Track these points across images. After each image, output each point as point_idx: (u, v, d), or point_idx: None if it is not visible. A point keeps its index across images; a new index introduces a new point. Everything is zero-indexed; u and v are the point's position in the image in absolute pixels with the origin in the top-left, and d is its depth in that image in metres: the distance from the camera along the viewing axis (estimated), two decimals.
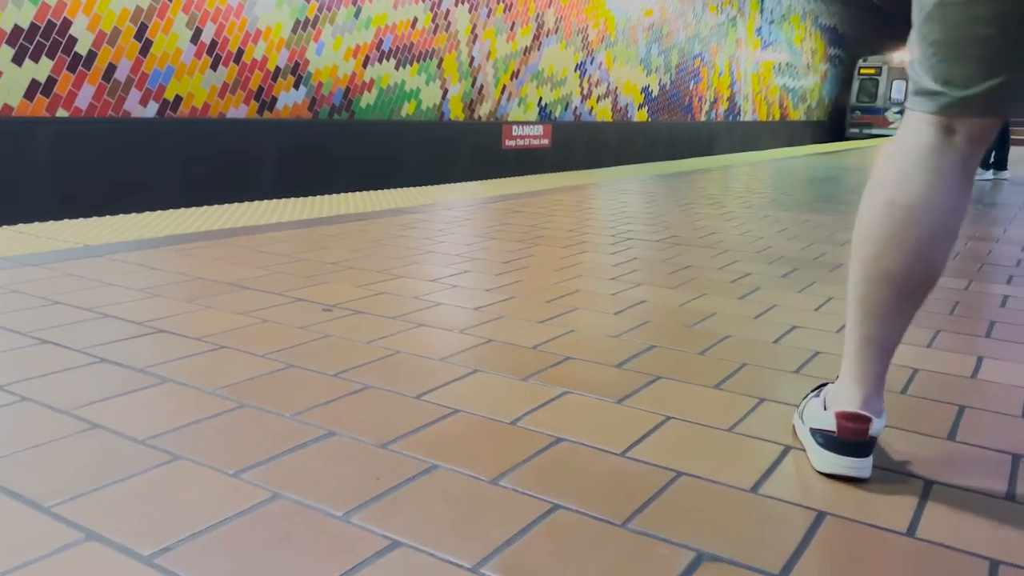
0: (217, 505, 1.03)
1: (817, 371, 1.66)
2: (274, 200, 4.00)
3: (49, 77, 6.34)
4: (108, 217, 3.32)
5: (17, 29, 6.09)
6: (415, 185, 10.06)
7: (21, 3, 6.09)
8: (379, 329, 1.85)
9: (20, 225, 3.06)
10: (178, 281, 2.25)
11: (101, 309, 1.94)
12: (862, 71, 23.75)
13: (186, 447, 1.20)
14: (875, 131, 23.45)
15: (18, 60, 6.13)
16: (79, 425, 1.27)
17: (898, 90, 24.46)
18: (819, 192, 5.39)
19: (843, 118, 24.86)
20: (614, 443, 1.26)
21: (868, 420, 1.14)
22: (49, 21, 6.28)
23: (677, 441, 1.28)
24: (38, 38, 6.24)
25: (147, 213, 3.46)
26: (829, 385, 1.29)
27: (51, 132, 6.39)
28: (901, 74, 24.32)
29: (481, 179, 10.94)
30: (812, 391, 1.35)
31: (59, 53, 6.36)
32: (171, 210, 3.56)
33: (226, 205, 3.77)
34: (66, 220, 3.21)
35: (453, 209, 3.93)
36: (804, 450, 1.27)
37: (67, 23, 6.40)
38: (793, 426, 1.36)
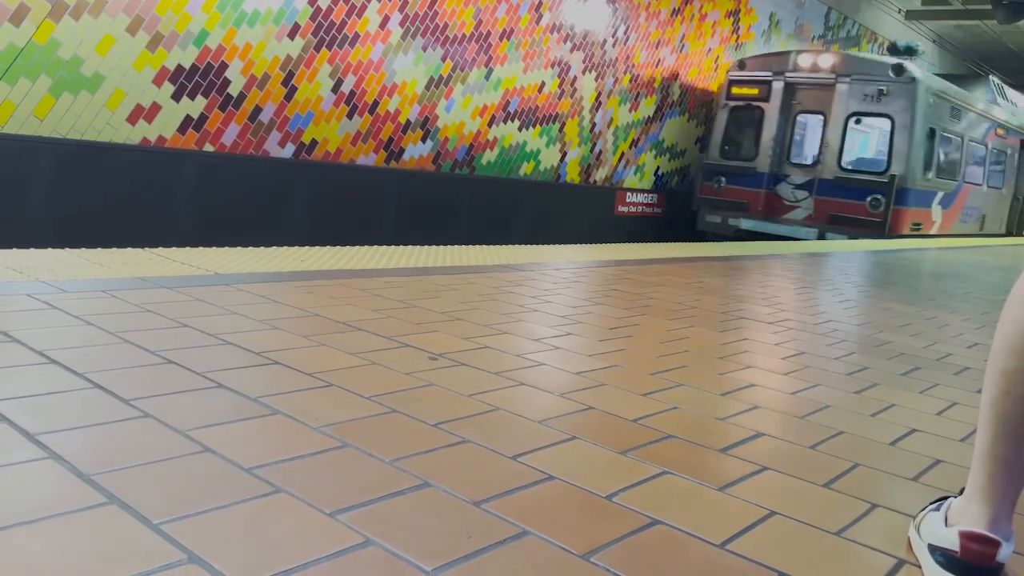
0: (312, 544, 1.05)
1: (938, 481, 1.55)
2: (392, 246, 4.14)
3: (201, 114, 6.85)
4: (239, 248, 3.52)
5: (179, 69, 6.63)
6: (527, 243, 10.18)
7: (186, 45, 6.64)
8: (481, 383, 1.87)
9: (160, 248, 3.27)
10: (296, 316, 2.34)
11: (223, 336, 2.04)
12: (735, 90, 12.22)
13: (289, 480, 1.23)
14: (750, 224, 11.96)
15: (176, 97, 6.66)
16: (192, 446, 1.32)
17: (831, 133, 11.57)
18: (947, 288, 5.11)
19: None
20: (713, 533, 1.21)
21: (997, 544, 1.05)
22: (208, 63, 6.81)
23: (781, 539, 1.22)
24: (196, 78, 6.76)
25: (274, 248, 3.64)
26: (952, 499, 1.20)
27: (196, 164, 6.87)
28: (816, 101, 11.70)
29: (592, 242, 10.98)
30: (932, 503, 1.26)
31: (213, 93, 6.87)
32: (296, 247, 3.74)
33: (347, 247, 3.93)
34: (200, 247, 3.42)
35: (562, 270, 3.95)
36: (919, 566, 1.18)
37: (224, 66, 6.92)
38: (908, 539, 1.27)
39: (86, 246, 6.05)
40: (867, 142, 12.62)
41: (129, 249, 3.17)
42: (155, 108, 6.52)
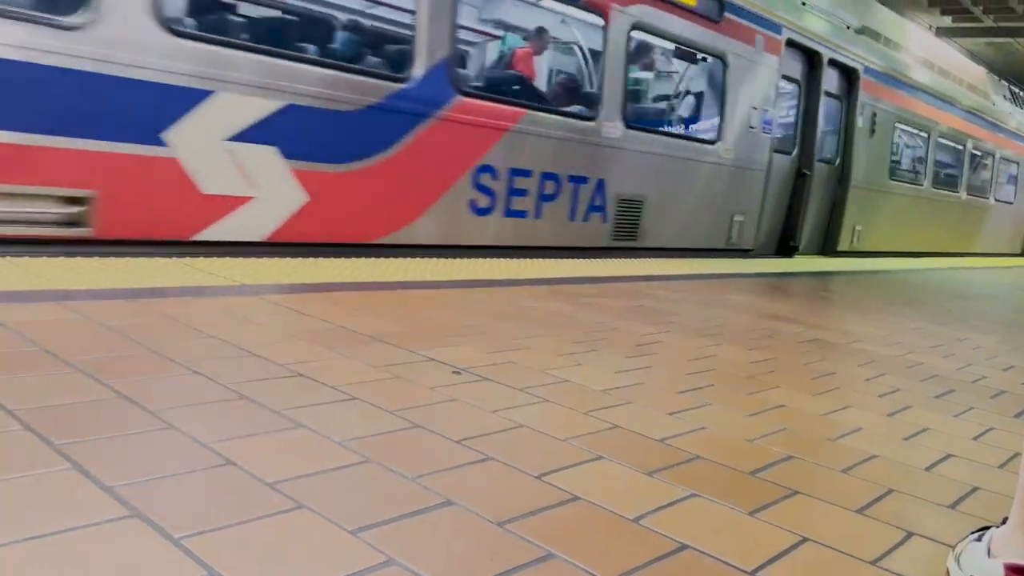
0: (334, 562, 1.03)
1: (977, 509, 1.50)
2: (417, 258, 4.13)
3: None
4: (264, 259, 3.53)
5: None
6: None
7: None
8: (505, 399, 1.84)
9: (186, 258, 3.29)
10: (321, 328, 2.34)
11: (247, 347, 2.03)
12: None
13: (311, 496, 1.21)
14: None
15: None
16: (215, 459, 1.31)
17: None
18: (980, 308, 5.02)
19: None
20: (744, 559, 1.18)
21: None
22: None
23: (813, 567, 1.18)
24: None
25: (299, 259, 3.64)
26: (994, 529, 1.16)
27: None
28: None
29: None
30: (972, 533, 1.21)
31: None
32: (320, 258, 3.74)
33: (371, 259, 3.93)
34: (227, 258, 3.44)
35: (586, 285, 3.92)
36: None
37: None
38: (947, 569, 1.23)
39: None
40: None
41: (156, 258, 3.19)
42: None
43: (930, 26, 17.94)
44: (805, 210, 7.63)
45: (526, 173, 4.93)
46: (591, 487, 1.38)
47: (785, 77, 7.05)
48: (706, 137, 6.43)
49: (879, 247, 9.10)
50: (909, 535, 1.34)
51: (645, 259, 5.22)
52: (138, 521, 1.08)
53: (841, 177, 8.18)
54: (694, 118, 6.75)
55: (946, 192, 10.85)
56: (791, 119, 7.48)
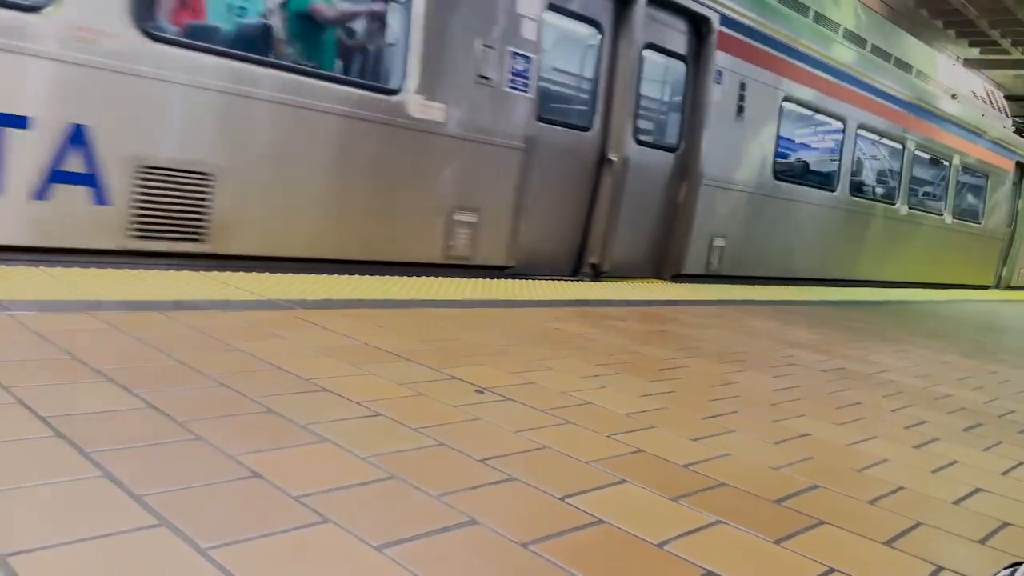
0: None
1: (1007, 545, 1.47)
2: (441, 277, 4.15)
3: None
4: (291, 275, 3.56)
5: None
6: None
7: None
8: (528, 419, 1.84)
9: (214, 272, 3.33)
10: (345, 344, 2.35)
11: (274, 361, 2.05)
12: None
13: (336, 510, 1.22)
14: None
15: None
16: (242, 471, 1.32)
17: None
18: (1009, 342, 4.95)
19: None
20: None
21: None
22: None
23: None
24: None
25: (325, 275, 3.68)
26: None
27: None
28: None
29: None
30: (1005, 569, 1.19)
31: None
32: (347, 275, 3.77)
33: (397, 277, 3.95)
34: (254, 273, 3.47)
35: (608, 308, 3.92)
36: None
37: None
38: None
39: None
40: None
41: (185, 272, 3.24)
42: None
43: (958, 57, 17.86)
44: (614, 214, 5.19)
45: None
46: (615, 511, 1.37)
47: (562, 11, 4.78)
48: (375, 83, 4.08)
49: (760, 270, 6.65)
50: (938, 569, 1.32)
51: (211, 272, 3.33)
52: (167, 530, 1.09)
53: (687, 170, 5.71)
54: (350, 48, 4.24)
55: (873, 203, 8.22)
56: (588, 79, 5.16)
